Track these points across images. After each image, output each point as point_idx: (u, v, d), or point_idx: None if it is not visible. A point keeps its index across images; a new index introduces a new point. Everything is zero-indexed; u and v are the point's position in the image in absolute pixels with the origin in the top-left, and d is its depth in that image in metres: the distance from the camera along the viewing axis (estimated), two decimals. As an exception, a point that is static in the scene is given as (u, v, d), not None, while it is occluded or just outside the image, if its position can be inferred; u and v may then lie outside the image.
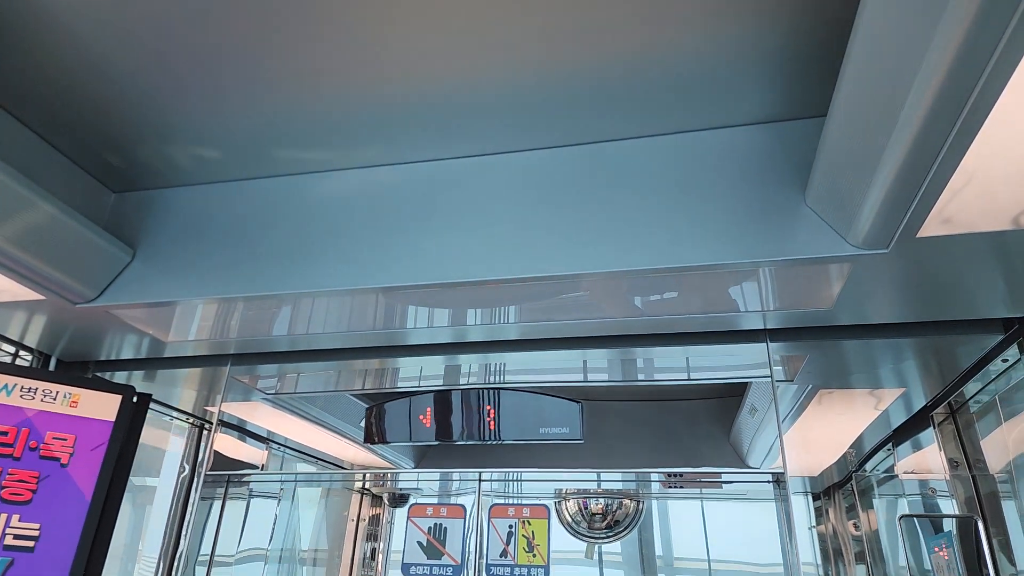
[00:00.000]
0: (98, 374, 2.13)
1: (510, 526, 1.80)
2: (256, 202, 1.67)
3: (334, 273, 1.51)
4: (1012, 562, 1.69)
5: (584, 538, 2.02)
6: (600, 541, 2.03)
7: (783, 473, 1.56)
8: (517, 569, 1.75)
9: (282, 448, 2.22)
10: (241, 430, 2.14)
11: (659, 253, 1.33)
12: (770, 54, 1.24)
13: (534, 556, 1.75)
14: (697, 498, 2.07)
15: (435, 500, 2.02)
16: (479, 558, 1.77)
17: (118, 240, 1.64)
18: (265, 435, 2.19)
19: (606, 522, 2.04)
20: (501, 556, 1.77)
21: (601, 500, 2.05)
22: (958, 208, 1.09)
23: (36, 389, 1.72)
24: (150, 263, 1.66)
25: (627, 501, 2.06)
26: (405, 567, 1.82)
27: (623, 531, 2.04)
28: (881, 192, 1.06)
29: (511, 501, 1.88)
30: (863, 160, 1.05)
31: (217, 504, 2.19)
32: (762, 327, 1.64)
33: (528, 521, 1.80)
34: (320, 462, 2.20)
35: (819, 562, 2.23)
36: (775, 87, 1.32)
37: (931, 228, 1.14)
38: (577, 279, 1.39)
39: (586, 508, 2.04)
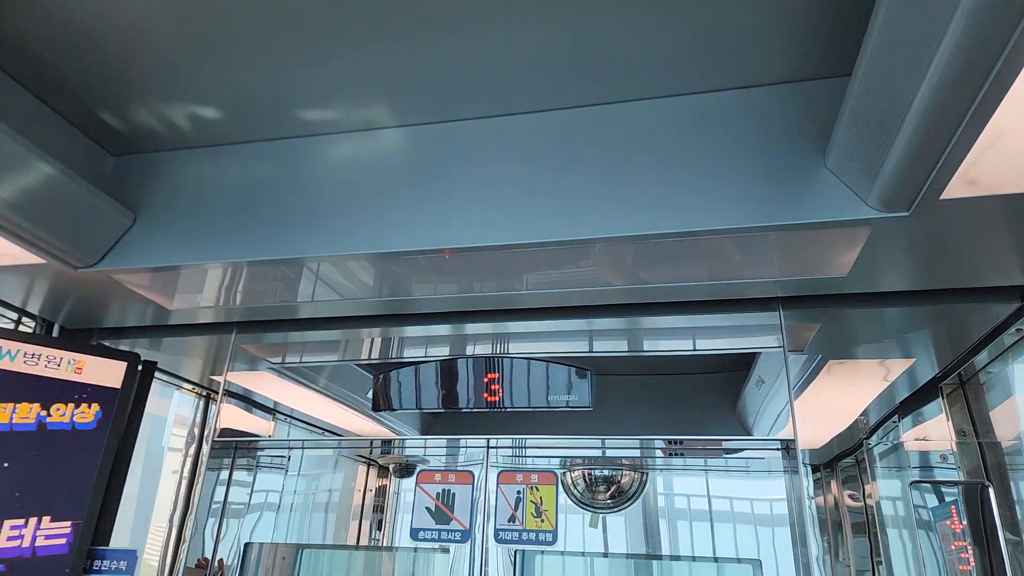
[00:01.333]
0: (103, 342, 2.12)
1: (518, 492, 1.81)
2: (259, 165, 1.64)
3: (339, 238, 1.48)
4: (1016, 532, 1.70)
5: (588, 508, 2.04)
6: (604, 511, 2.04)
7: (793, 441, 1.55)
8: (525, 533, 1.76)
9: (288, 419, 2.22)
10: (247, 400, 2.14)
11: (674, 217, 1.30)
12: (793, 11, 1.19)
13: (542, 521, 1.76)
14: (702, 469, 2.08)
15: (443, 468, 2.03)
16: (487, 523, 1.78)
17: (119, 204, 1.61)
18: (271, 406, 2.19)
19: (610, 492, 2.05)
20: (509, 521, 1.78)
21: (606, 469, 2.06)
22: (985, 169, 1.05)
23: (40, 355, 1.71)
24: (152, 227, 1.63)
25: (633, 472, 2.07)
26: (414, 531, 1.84)
27: (627, 502, 2.05)
28: (906, 150, 1.03)
29: (519, 467, 1.89)
30: (888, 116, 1.01)
31: (225, 474, 2.20)
32: (775, 295, 1.62)
33: (536, 487, 1.80)
34: (327, 433, 2.20)
35: (817, 533, 2.25)
36: (797, 45, 1.27)
37: (955, 190, 1.11)
38: (589, 244, 1.36)
39: (591, 477, 2.05)
